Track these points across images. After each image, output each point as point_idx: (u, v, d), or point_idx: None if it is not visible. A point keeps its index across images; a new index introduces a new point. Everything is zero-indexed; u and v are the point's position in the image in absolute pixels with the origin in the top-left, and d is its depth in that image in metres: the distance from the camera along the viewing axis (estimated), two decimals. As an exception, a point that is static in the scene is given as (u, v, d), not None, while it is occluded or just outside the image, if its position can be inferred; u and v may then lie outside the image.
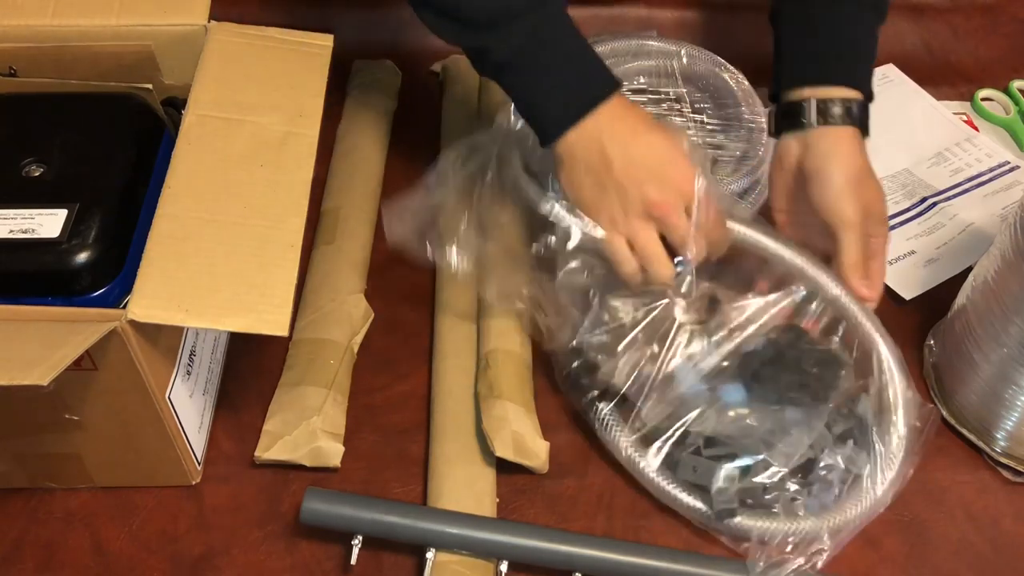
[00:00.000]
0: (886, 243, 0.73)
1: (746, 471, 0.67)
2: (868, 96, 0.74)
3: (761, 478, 0.66)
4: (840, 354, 0.70)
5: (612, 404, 0.70)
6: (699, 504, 0.67)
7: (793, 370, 0.69)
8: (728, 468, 0.66)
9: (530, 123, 0.69)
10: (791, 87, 0.74)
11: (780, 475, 0.66)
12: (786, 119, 0.74)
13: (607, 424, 0.70)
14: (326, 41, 0.72)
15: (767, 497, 0.66)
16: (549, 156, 0.70)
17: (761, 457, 0.66)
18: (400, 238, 0.72)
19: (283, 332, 0.56)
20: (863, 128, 0.73)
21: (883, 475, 0.67)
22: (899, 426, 0.68)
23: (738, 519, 0.66)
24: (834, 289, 0.71)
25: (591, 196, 0.68)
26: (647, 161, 0.67)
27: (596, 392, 0.71)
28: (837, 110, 0.72)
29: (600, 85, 0.68)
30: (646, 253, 0.68)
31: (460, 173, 0.73)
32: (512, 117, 0.76)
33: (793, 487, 0.67)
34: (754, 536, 0.65)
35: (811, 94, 0.73)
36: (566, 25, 0.68)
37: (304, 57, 0.71)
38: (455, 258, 0.71)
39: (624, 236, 0.68)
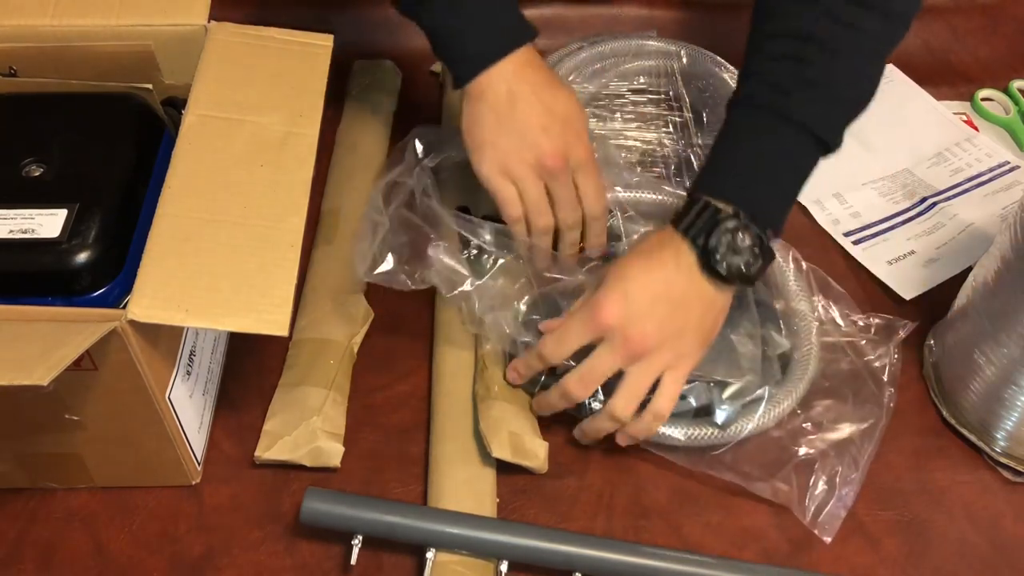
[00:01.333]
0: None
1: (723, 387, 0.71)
2: (749, 210, 0.65)
3: (733, 388, 0.71)
4: None
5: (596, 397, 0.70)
6: (708, 428, 0.69)
7: None
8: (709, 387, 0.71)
9: (446, 63, 0.69)
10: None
11: (745, 380, 0.71)
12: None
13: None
14: (326, 41, 0.72)
15: (747, 398, 0.71)
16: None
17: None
18: (374, 276, 0.72)
19: (283, 332, 0.56)
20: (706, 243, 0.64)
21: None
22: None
23: (737, 424, 0.70)
24: None
25: (487, 134, 0.68)
26: (552, 109, 0.67)
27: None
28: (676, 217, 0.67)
29: (519, 30, 0.68)
30: (533, 199, 0.68)
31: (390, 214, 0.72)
32: (419, 149, 0.75)
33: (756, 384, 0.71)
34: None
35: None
36: None
37: (304, 57, 0.70)
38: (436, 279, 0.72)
39: (511, 180, 0.68)
